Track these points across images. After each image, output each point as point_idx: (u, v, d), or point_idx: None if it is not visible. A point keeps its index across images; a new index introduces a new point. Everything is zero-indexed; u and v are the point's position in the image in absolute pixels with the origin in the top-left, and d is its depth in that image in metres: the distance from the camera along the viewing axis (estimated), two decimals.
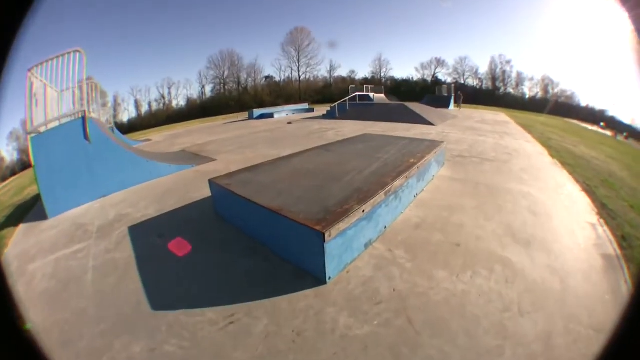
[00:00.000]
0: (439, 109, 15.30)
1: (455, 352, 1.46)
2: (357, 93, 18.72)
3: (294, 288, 1.94)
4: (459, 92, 21.69)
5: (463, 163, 4.95)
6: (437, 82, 36.93)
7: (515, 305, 1.73)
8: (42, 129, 4.78)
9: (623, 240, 2.54)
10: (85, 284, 2.27)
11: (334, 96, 22.92)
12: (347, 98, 16.31)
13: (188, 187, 4.49)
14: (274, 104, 29.41)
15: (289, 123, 13.42)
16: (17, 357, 0.79)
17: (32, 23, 0.88)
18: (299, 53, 45.34)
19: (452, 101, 19.67)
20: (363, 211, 2.23)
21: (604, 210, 3.12)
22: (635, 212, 3.35)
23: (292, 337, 1.60)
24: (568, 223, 2.81)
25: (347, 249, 2.11)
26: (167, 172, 5.64)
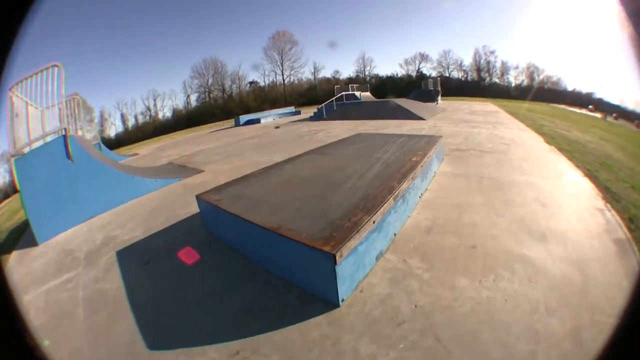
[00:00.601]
0: (427, 104, 15.37)
1: None
2: (344, 92, 18.67)
3: (304, 315, 1.80)
4: (437, 88, 21.63)
5: (462, 157, 4.91)
6: (422, 76, 37.45)
7: (542, 305, 1.71)
8: (26, 150, 4.64)
9: (631, 222, 2.64)
10: (77, 320, 2.14)
11: (319, 98, 23.06)
12: (333, 98, 16.26)
13: (176, 203, 4.43)
14: (260, 109, 29.69)
15: (277, 127, 13.30)
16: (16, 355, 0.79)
17: (31, 23, 0.86)
18: (282, 57, 45.70)
19: (439, 97, 19.84)
20: (374, 222, 2.11)
21: (608, 194, 3.21)
22: (637, 192, 3.50)
23: None
24: (577, 211, 2.85)
25: (359, 267, 1.99)
26: (154, 187, 5.54)
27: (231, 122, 22.31)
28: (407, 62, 45.49)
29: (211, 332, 1.77)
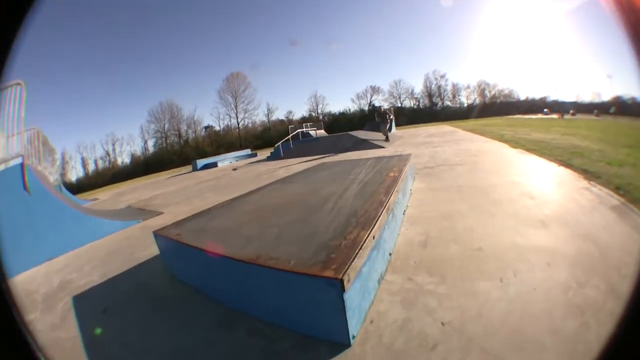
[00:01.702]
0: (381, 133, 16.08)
1: (548, 355, 1.28)
2: (299, 130, 19.13)
3: None
4: (388, 115, 22.65)
5: (433, 173, 5.05)
6: (374, 109, 40.07)
7: (572, 281, 1.72)
8: None
9: (618, 189, 3.01)
10: None
11: (274, 139, 23.68)
12: (289, 136, 16.46)
13: (134, 245, 4.31)
14: (216, 153, 30.26)
15: (234, 169, 13.16)
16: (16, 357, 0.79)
17: (31, 24, 0.86)
18: (236, 99, 47.20)
19: (394, 124, 20.99)
20: (373, 237, 1.91)
21: (588, 174, 3.62)
22: (614, 166, 3.99)
23: None
24: (566, 194, 3.13)
25: (364, 293, 1.73)
26: (113, 229, 5.47)
27: (189, 167, 22.64)
28: (358, 97, 48.84)
29: None
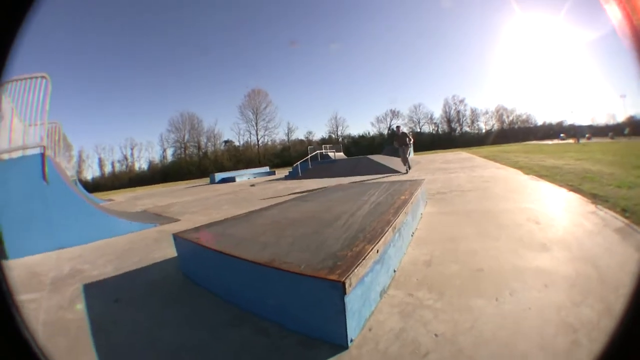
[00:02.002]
0: (399, 159, 16.16)
1: None
2: (318, 151, 19.44)
3: None
4: (407, 138, 22.32)
5: (445, 198, 5.10)
6: (393, 133, 40.13)
7: (567, 301, 1.75)
8: (5, 157, 4.71)
9: (625, 212, 3.05)
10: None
11: (293, 159, 24.00)
12: (308, 156, 16.78)
13: (150, 247, 4.36)
14: (234, 168, 30.34)
15: (252, 185, 13.45)
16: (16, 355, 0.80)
17: (31, 24, 0.87)
18: (256, 116, 47.49)
19: (411, 150, 21.05)
20: (377, 251, 2.06)
21: (597, 199, 3.66)
22: (623, 188, 4.03)
23: None
24: (572, 219, 3.16)
25: (365, 302, 1.85)
26: (129, 229, 5.51)
27: (206, 179, 22.66)
28: (378, 120, 49.00)
29: None
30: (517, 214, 3.53)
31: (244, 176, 20.41)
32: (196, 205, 8.50)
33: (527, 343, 1.47)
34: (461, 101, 48.03)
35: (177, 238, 2.91)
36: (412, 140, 12.05)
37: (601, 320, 1.55)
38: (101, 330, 2.18)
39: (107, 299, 2.70)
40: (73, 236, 4.67)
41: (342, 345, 1.62)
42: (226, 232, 2.76)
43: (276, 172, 22.37)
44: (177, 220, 6.42)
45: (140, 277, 3.16)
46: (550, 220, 3.14)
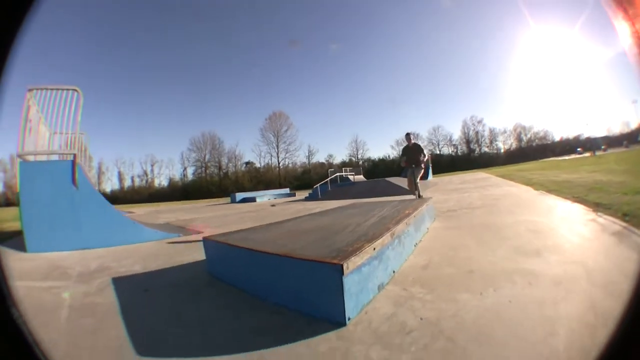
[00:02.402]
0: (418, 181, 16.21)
1: (511, 352, 1.44)
2: (337, 174, 19.74)
3: (311, 334, 1.79)
4: (421, 154, 21.58)
5: (453, 215, 5.23)
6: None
7: (549, 297, 1.84)
8: (31, 158, 4.82)
9: (625, 216, 3.09)
10: (58, 319, 2.15)
11: (313, 182, 24.33)
12: (328, 179, 17.11)
13: (175, 252, 4.44)
14: (255, 189, 30.36)
15: (273, 205, 13.76)
16: (15, 355, 0.79)
17: (31, 24, 0.87)
18: (277, 138, 47.52)
19: (430, 171, 20.97)
20: (374, 249, 2.31)
21: (599, 207, 3.69)
22: (629, 194, 4.01)
23: None
24: (570, 227, 3.23)
25: (362, 289, 2.08)
26: (153, 237, 5.50)
27: (227, 199, 22.63)
28: (398, 143, 48.69)
29: (212, 348, 1.74)
30: (519, 226, 3.59)
31: (264, 197, 20.63)
32: (218, 222, 8.58)
33: (505, 330, 1.60)
34: (479, 121, 47.60)
35: (207, 241, 3.22)
36: (426, 157, 8.65)
37: (584, 315, 1.64)
38: (131, 311, 2.34)
39: (136, 289, 2.80)
40: (98, 238, 4.76)
41: (341, 322, 1.85)
42: (249, 237, 3.08)
43: (296, 194, 22.42)
44: (200, 232, 6.39)
45: (169, 275, 3.31)
46: (548, 230, 3.20)
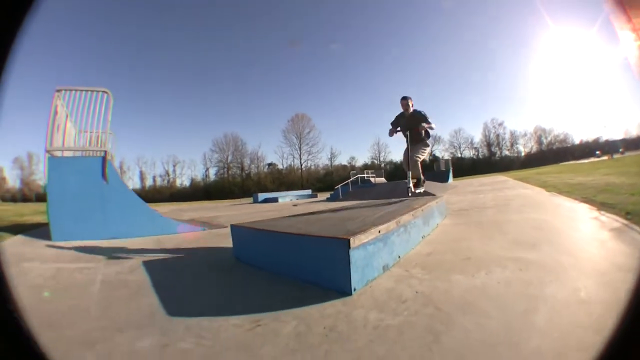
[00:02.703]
0: (439, 183, 16.14)
1: (490, 322, 1.60)
2: (359, 176, 19.86)
3: (321, 301, 2.07)
4: (448, 167, 20.95)
5: (465, 214, 5.33)
6: (434, 159, 39.19)
7: (536, 280, 1.98)
8: (58, 154, 5.01)
9: (627, 214, 3.11)
10: (90, 291, 2.40)
11: (335, 183, 24.47)
12: (349, 180, 17.32)
13: (202, 241, 4.69)
14: (277, 190, 29.99)
15: (295, 205, 14.03)
16: (15, 355, 0.79)
17: (31, 24, 0.86)
18: (300, 140, 46.71)
19: (450, 175, 20.70)
20: (379, 232, 2.54)
21: (604, 206, 3.70)
22: (636, 195, 4.01)
23: (324, 332, 1.68)
24: (571, 225, 3.33)
25: (367, 265, 2.33)
26: (180, 230, 5.67)
27: (249, 199, 22.62)
28: None
29: (234, 309, 2.03)
30: (523, 222, 3.67)
31: (286, 197, 20.64)
32: (242, 218, 8.64)
33: (488, 303, 1.78)
34: (500, 124, 45.95)
35: (234, 227, 3.55)
36: (433, 127, 5.18)
37: (568, 296, 1.76)
38: (162, 284, 2.56)
39: (166, 270, 3.03)
40: (127, 229, 4.88)
41: (347, 292, 2.11)
42: (271, 224, 3.43)
43: (318, 195, 22.54)
44: (225, 226, 6.38)
45: (196, 258, 3.54)
46: (550, 227, 3.25)
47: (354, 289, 2.14)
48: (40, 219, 8.62)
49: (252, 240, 3.22)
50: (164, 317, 1.97)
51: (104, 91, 5.29)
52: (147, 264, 3.24)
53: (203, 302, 2.25)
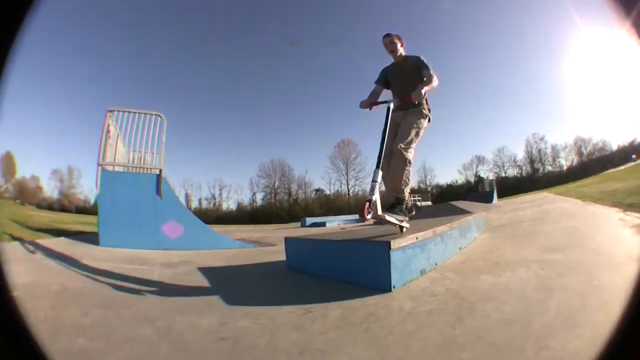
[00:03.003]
0: (482, 204, 15.71)
1: (508, 307, 1.85)
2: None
3: (364, 296, 2.41)
4: (492, 188, 19.42)
5: (501, 229, 5.37)
6: (479, 180, 37.31)
7: (554, 275, 2.18)
8: (109, 168, 5.43)
9: None
10: (149, 283, 2.76)
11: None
12: None
13: (254, 256, 4.88)
14: (325, 215, 29.11)
15: (342, 229, 14.22)
16: (16, 355, 0.78)
17: (31, 24, 0.84)
18: (347, 166, 45.25)
19: (495, 195, 19.80)
20: (417, 238, 2.85)
21: (631, 207, 3.78)
22: None
23: (365, 315, 2.03)
24: (597, 226, 3.53)
25: (405, 266, 2.64)
26: (231, 245, 5.85)
27: (296, 223, 22.13)
28: (465, 168, 45.56)
29: (288, 301, 2.42)
30: (555, 231, 3.71)
31: (334, 222, 20.22)
32: None
33: (509, 295, 2.02)
34: (541, 139, 42.58)
35: (288, 239, 4.03)
36: (435, 80, 2.92)
37: (582, 284, 1.95)
38: (218, 283, 2.87)
39: (221, 274, 3.24)
40: (179, 242, 4.98)
41: (387, 289, 2.46)
42: (320, 236, 3.94)
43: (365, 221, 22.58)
44: (275, 245, 6.50)
45: (249, 268, 3.81)
46: (578, 232, 3.37)
47: (393, 287, 2.49)
48: (81, 228, 8.99)
49: (303, 250, 3.72)
50: (223, 305, 2.26)
51: (157, 114, 5.59)
52: (202, 269, 3.48)
53: (259, 297, 2.57)
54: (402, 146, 2.82)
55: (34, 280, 2.85)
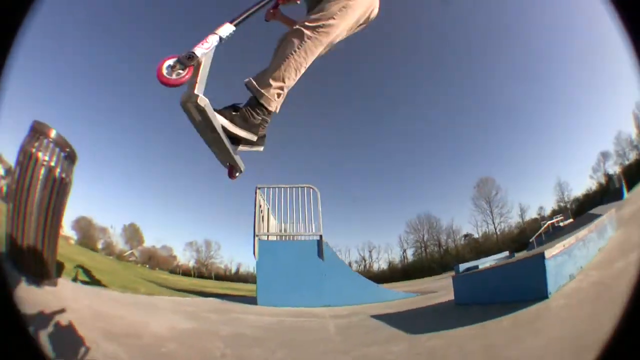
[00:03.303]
0: (614, 203, 13.18)
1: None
2: (548, 223, 17.98)
3: (527, 307, 2.93)
4: None
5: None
6: (609, 178, 29.09)
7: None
8: (264, 237, 5.97)
9: None
10: (322, 331, 3.13)
11: (528, 238, 21.29)
12: (540, 231, 16.42)
13: (418, 303, 5.20)
14: (475, 259, 26.73)
15: None
16: (15, 355, 0.78)
17: (31, 24, 0.82)
18: (490, 205, 41.48)
19: (624, 188, 16.16)
20: (564, 246, 3.33)
21: None
22: None
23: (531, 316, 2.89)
24: None
25: (557, 273, 3.07)
26: (396, 297, 6.06)
27: (450, 273, 21.41)
28: (594, 170, 36.24)
29: (457, 324, 3.02)
30: None
31: (486, 263, 19.76)
32: (450, 287, 8.61)
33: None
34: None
35: (456, 277, 4.86)
36: None
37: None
38: (399, 324, 3.19)
39: (396, 318, 3.57)
40: (340, 298, 5.17)
41: (544, 296, 2.90)
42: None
43: (515, 255, 20.83)
44: (434, 292, 6.65)
45: (420, 309, 4.27)
46: None
47: (550, 293, 2.92)
48: (228, 292, 9.46)
49: (470, 282, 4.49)
50: (406, 335, 2.77)
51: (309, 187, 5.94)
52: (375, 316, 3.74)
53: (431, 326, 3.02)
54: (306, 23, 1.70)
55: (196, 327, 3.05)
